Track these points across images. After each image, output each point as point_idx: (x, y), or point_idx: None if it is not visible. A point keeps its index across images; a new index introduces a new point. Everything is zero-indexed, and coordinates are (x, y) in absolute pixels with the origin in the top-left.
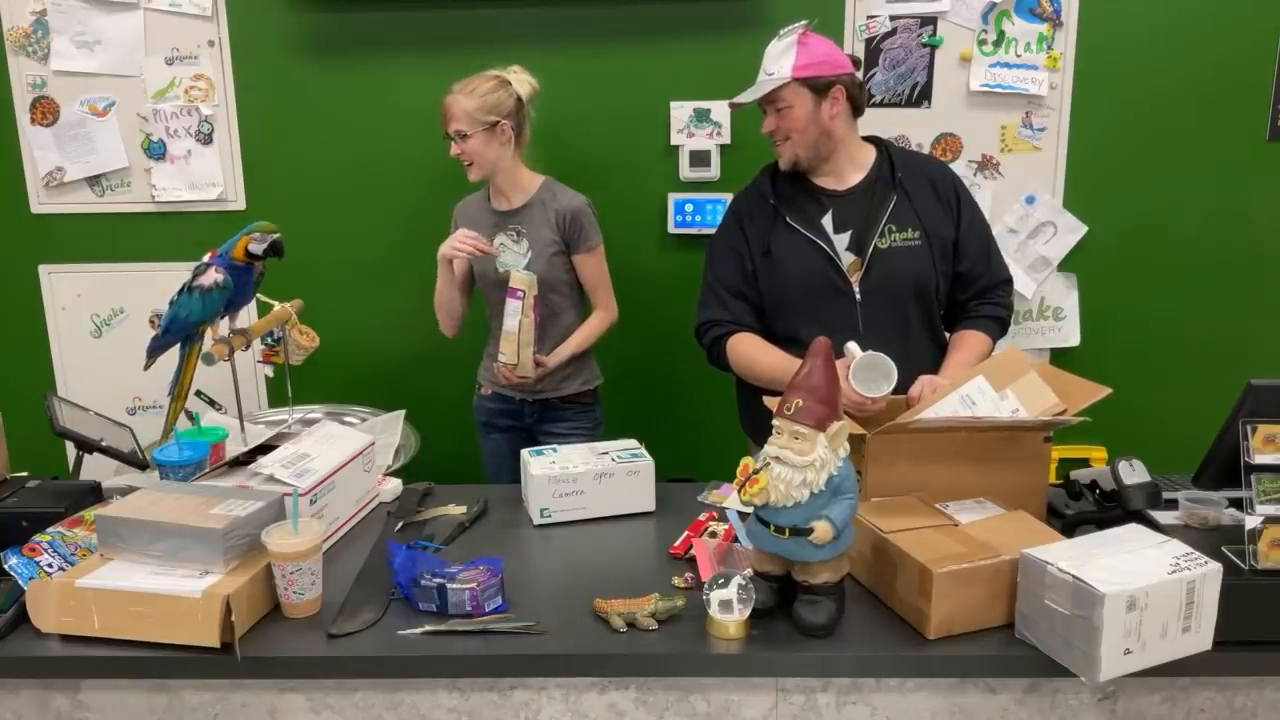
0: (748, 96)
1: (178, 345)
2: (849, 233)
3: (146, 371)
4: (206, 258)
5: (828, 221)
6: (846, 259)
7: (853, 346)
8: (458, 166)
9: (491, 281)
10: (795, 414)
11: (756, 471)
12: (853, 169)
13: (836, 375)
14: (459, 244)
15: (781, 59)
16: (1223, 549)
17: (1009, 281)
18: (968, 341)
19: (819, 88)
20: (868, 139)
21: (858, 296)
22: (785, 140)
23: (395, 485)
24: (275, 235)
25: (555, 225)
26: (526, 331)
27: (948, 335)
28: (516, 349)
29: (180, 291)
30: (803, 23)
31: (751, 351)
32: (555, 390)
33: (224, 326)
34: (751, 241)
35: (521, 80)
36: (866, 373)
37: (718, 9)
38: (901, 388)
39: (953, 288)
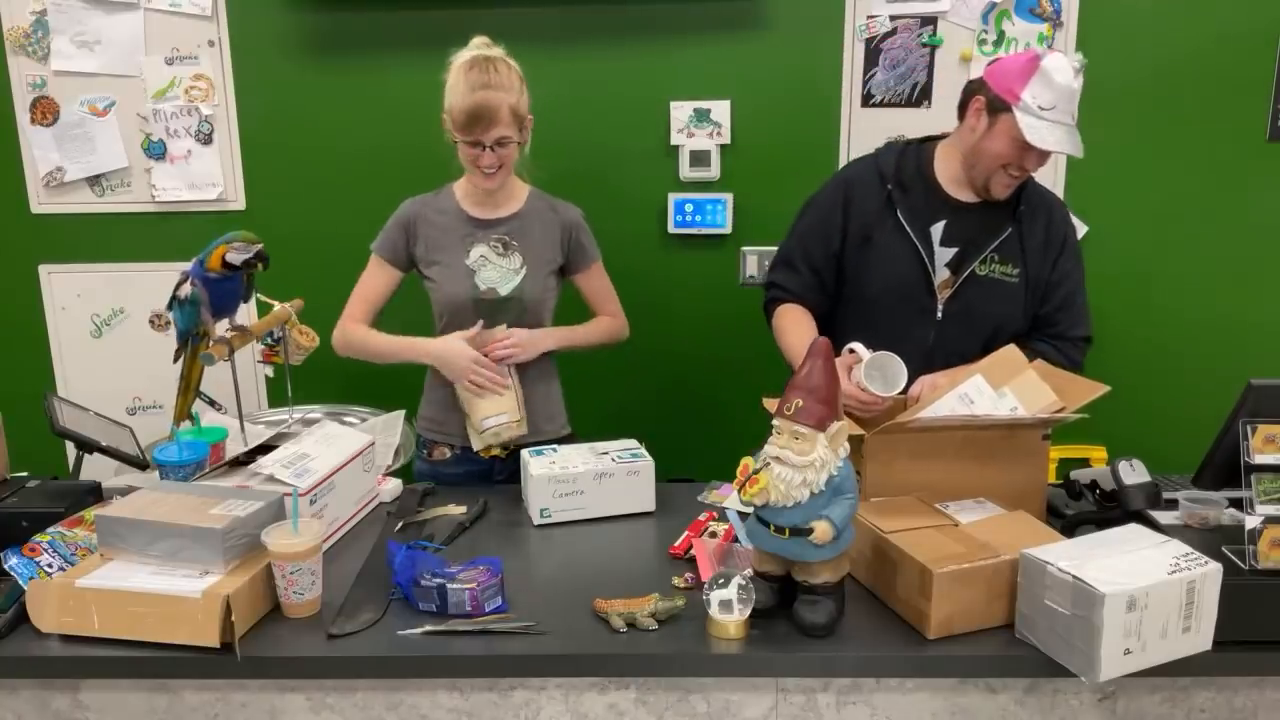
0: (1076, 151)
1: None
2: (954, 250)
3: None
4: (189, 265)
5: (937, 230)
6: (941, 275)
7: (858, 347)
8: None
9: (463, 304)
10: (795, 414)
11: (756, 471)
12: None
13: (836, 375)
14: (480, 380)
15: (1076, 102)
16: (1223, 549)
17: (1085, 339)
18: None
19: None
20: None
21: (938, 315)
22: (1025, 174)
23: (395, 485)
24: (259, 245)
25: (560, 242)
26: (519, 386)
27: None
28: (517, 405)
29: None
30: (1082, 61)
31: (785, 326)
32: (532, 435)
33: (223, 326)
34: (853, 223)
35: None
36: (876, 371)
37: (718, 9)
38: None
39: (1030, 328)
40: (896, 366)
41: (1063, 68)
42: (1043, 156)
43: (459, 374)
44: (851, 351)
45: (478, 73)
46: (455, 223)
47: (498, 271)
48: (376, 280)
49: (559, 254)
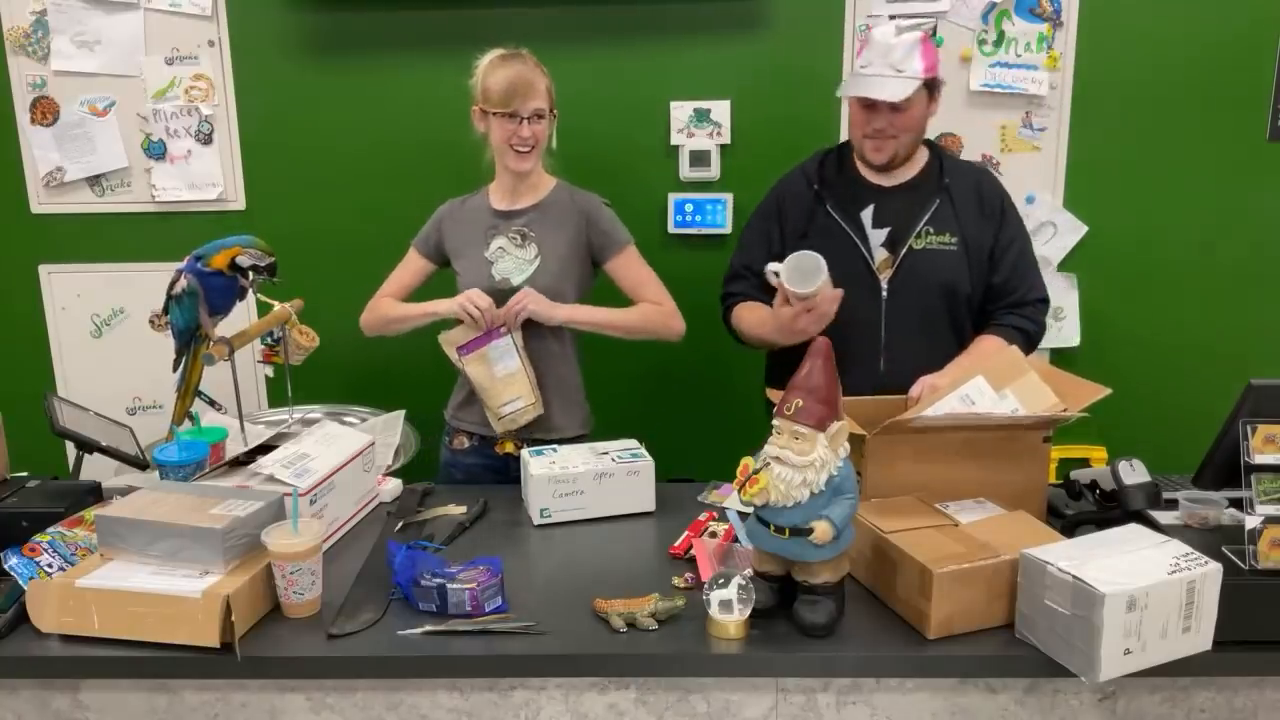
0: (886, 95)
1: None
2: (887, 229)
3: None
4: (182, 262)
5: (867, 215)
6: (879, 255)
7: (771, 265)
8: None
9: (484, 291)
10: (795, 414)
11: (756, 471)
12: (907, 167)
13: (836, 375)
14: (471, 308)
15: (910, 57)
16: (1223, 549)
17: (1044, 301)
18: (981, 346)
19: (932, 89)
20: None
21: (884, 293)
22: (891, 138)
23: (395, 485)
24: (272, 258)
25: (577, 230)
26: (528, 364)
27: None
28: (531, 388)
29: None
30: (932, 21)
31: (743, 314)
32: (546, 433)
33: (222, 326)
34: (788, 225)
35: None
36: (798, 274)
37: (718, 9)
38: (902, 388)
39: (985, 299)
40: (812, 260)
41: (883, 28)
42: (891, 111)
43: (456, 305)
44: (775, 275)
45: (510, 58)
46: (480, 216)
47: (513, 262)
48: (408, 268)
49: (579, 244)
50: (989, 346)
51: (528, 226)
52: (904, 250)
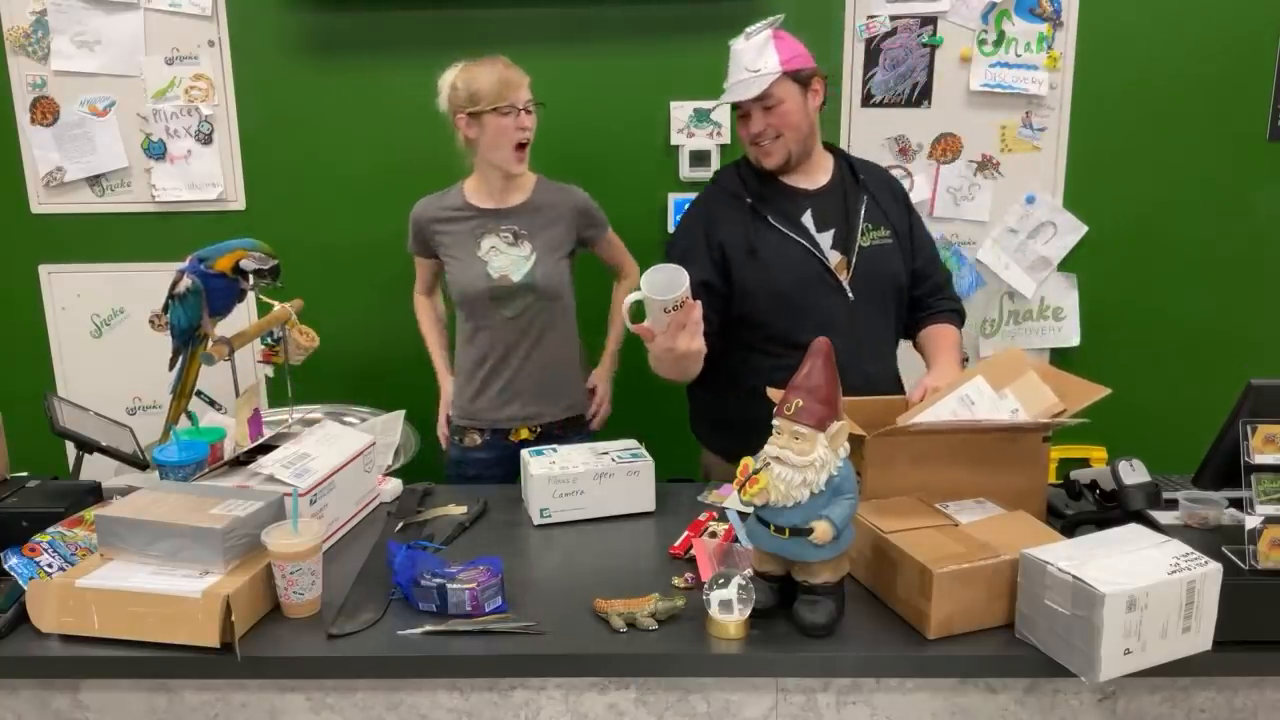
0: (741, 95)
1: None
2: (831, 231)
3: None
4: (183, 263)
5: (808, 220)
6: (833, 258)
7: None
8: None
9: (479, 293)
10: (795, 414)
11: (756, 471)
12: (820, 169)
13: (836, 375)
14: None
15: (763, 55)
16: (1223, 549)
17: (951, 279)
18: (945, 335)
19: (803, 80)
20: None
21: (850, 295)
22: (776, 139)
23: (395, 485)
24: (275, 261)
25: (570, 226)
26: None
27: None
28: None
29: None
30: (777, 18)
31: None
32: (555, 414)
33: (222, 326)
34: (727, 244)
35: None
36: (662, 288)
37: (718, 9)
38: (896, 388)
39: (910, 285)
40: (668, 272)
41: (737, 40)
42: (764, 113)
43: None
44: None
45: (486, 60)
46: (465, 216)
47: (509, 259)
48: (421, 269)
49: (570, 237)
50: (952, 336)
51: (519, 225)
52: (855, 249)
